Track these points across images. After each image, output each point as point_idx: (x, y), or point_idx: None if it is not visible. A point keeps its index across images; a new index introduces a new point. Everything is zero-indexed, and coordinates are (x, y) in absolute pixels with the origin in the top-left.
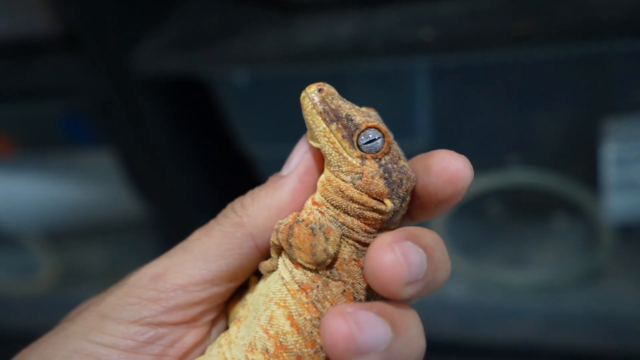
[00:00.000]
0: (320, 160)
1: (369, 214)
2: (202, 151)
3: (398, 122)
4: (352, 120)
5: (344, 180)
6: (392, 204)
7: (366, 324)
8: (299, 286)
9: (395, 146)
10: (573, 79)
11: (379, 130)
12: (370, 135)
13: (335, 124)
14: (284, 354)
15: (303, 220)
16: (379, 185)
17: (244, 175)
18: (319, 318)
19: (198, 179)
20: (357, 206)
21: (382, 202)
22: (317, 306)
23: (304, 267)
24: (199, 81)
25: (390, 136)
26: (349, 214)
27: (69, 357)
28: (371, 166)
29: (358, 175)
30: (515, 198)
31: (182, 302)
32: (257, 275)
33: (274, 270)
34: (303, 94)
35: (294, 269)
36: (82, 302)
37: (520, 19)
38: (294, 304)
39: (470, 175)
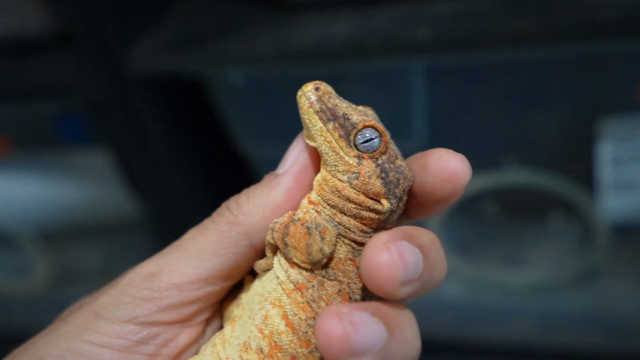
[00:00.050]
0: (316, 159)
1: (365, 213)
2: (198, 151)
3: (394, 121)
4: (349, 119)
5: (340, 180)
6: (389, 204)
7: (361, 325)
8: (294, 285)
9: (392, 145)
10: (569, 79)
11: (376, 129)
12: (367, 135)
13: (332, 123)
14: (279, 354)
15: (299, 219)
16: (376, 185)
17: (240, 175)
18: (314, 318)
19: (194, 179)
20: (353, 206)
21: (379, 202)
22: (313, 306)
23: (300, 267)
24: (196, 81)
25: (387, 135)
26: (345, 214)
27: (61, 356)
28: (368, 166)
29: (355, 174)
30: (512, 198)
31: (176, 301)
32: (253, 274)
33: (269, 270)
34: (299, 93)
35: (290, 268)
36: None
37: (516, 19)
38: (289, 303)
39: (468, 173)
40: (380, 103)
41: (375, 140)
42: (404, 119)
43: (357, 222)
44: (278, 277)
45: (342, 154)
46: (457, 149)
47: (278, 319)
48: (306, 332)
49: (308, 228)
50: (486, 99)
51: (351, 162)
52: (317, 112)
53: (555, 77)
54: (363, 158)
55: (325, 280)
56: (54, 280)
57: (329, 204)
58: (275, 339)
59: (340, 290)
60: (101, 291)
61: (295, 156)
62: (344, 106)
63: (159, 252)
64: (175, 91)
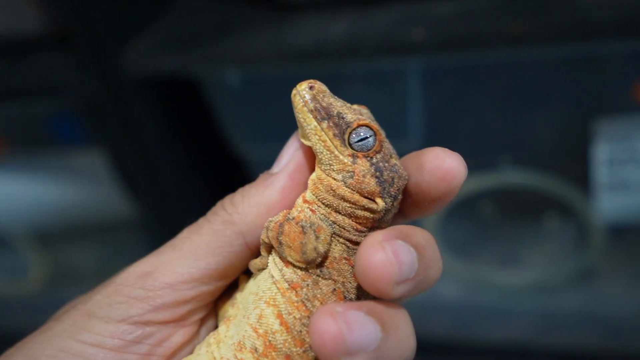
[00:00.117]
0: (311, 158)
1: (360, 212)
2: (193, 151)
3: (390, 122)
4: (343, 118)
5: (335, 179)
6: (384, 203)
7: (356, 324)
8: (288, 285)
9: (386, 144)
10: (564, 80)
11: (371, 128)
12: (361, 134)
13: (326, 122)
14: (273, 353)
15: (293, 218)
16: (371, 184)
17: (236, 175)
18: (308, 317)
19: (189, 180)
20: (348, 205)
21: (374, 201)
22: (307, 305)
23: (294, 266)
24: (191, 81)
25: (382, 134)
26: (340, 213)
27: (55, 356)
28: (362, 165)
29: (349, 173)
30: (508, 198)
31: (170, 301)
32: (247, 274)
33: (264, 269)
34: (294, 91)
35: (284, 268)
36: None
37: (512, 20)
38: (283, 302)
39: (464, 172)
40: (377, 103)
41: (370, 139)
42: (400, 119)
43: (352, 221)
44: (273, 276)
45: (336, 152)
46: (453, 149)
47: (272, 318)
48: (300, 332)
49: (303, 227)
50: (482, 99)
51: (346, 161)
52: (311, 111)
53: (551, 77)
54: (357, 157)
55: (320, 279)
56: (49, 280)
57: (323, 203)
58: (270, 338)
59: (335, 289)
60: (95, 291)
61: (290, 155)
62: (338, 105)
63: (154, 252)
64: (170, 91)
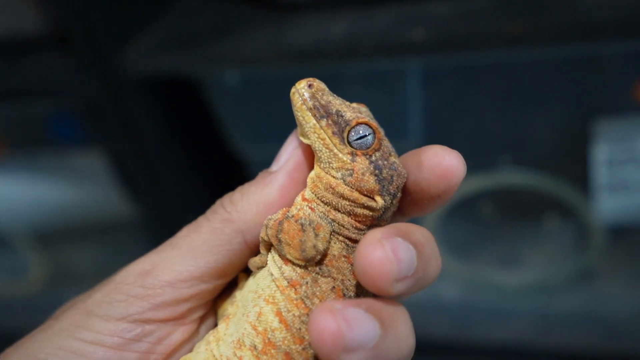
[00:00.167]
0: (310, 156)
1: (359, 210)
2: (192, 151)
3: (390, 122)
4: (342, 116)
5: (334, 177)
6: (383, 201)
7: (354, 321)
8: (287, 282)
9: (386, 142)
10: (564, 80)
11: (370, 126)
12: (360, 132)
13: (325, 120)
14: (272, 351)
15: (293, 216)
16: (370, 182)
17: (235, 175)
18: (307, 314)
19: (188, 180)
20: (347, 203)
21: (373, 198)
22: (306, 302)
23: (294, 264)
24: (190, 81)
25: (381, 132)
26: (339, 211)
27: (54, 354)
28: (362, 163)
29: (348, 171)
30: (507, 198)
31: (169, 299)
32: (247, 272)
33: (263, 267)
34: (293, 90)
35: (283, 265)
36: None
37: (512, 20)
38: (282, 300)
39: (463, 170)
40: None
41: (369, 137)
42: (400, 119)
43: (351, 219)
44: (272, 274)
45: (335, 151)
46: (452, 148)
47: (272, 315)
48: (300, 329)
49: (302, 225)
50: (482, 99)
51: (345, 159)
52: (310, 109)
53: (551, 78)
54: (356, 155)
55: (319, 277)
56: (48, 280)
57: (322, 201)
58: (269, 336)
59: (334, 287)
60: (94, 289)
61: (289, 153)
62: (337, 103)
63: (153, 250)
64: (170, 91)
